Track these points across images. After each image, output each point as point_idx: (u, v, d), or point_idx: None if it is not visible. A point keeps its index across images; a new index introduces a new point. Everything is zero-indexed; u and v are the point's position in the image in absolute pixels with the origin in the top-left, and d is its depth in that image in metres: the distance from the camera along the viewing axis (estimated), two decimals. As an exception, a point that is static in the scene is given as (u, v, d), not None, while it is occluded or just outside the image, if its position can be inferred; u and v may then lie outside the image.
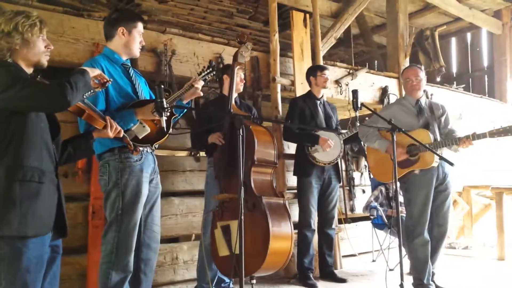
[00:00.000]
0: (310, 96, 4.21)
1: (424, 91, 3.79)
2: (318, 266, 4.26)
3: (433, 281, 3.63)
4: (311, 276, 3.99)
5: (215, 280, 3.50)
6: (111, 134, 2.25)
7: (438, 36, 6.79)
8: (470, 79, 8.63)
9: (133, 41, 2.65)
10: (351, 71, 5.49)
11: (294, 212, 4.15)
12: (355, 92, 3.64)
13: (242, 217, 2.35)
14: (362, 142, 5.52)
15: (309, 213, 3.99)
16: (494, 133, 3.30)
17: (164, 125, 2.44)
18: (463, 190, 6.59)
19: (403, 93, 5.87)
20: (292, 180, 4.54)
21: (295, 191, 4.23)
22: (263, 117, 4.57)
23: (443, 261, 4.99)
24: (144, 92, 2.74)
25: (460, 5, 6.95)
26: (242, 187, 2.35)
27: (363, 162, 5.80)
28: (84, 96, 2.02)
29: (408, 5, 6.42)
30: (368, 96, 5.62)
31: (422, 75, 3.67)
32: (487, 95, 7.90)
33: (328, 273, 4.17)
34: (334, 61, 5.65)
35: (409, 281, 3.58)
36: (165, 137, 2.66)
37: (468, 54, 8.71)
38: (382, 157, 3.64)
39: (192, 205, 4.16)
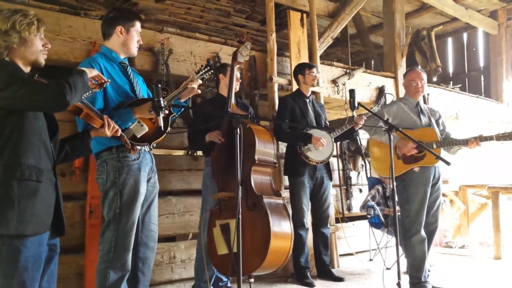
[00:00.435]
0: (299, 95, 4.17)
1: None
2: (315, 265, 4.27)
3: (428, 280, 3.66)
4: (308, 274, 4.00)
5: (213, 279, 3.50)
6: (108, 133, 2.24)
7: (434, 36, 6.83)
8: (466, 79, 8.67)
9: (131, 40, 2.65)
10: (348, 71, 5.50)
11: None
12: (352, 92, 3.64)
13: (240, 216, 2.36)
14: (358, 141, 5.57)
15: (302, 213, 4.00)
16: (500, 137, 3.45)
17: (162, 123, 2.44)
18: (459, 189, 6.63)
19: (400, 93, 5.91)
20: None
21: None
22: (261, 117, 4.57)
23: (440, 260, 5.03)
24: (142, 90, 2.74)
25: (456, 5, 6.98)
26: (241, 186, 2.35)
27: (360, 162, 5.82)
28: (83, 97, 2.02)
29: (405, 5, 6.44)
30: (365, 95, 5.63)
31: (425, 78, 3.76)
32: (483, 95, 7.94)
33: (326, 272, 4.17)
34: (331, 60, 5.66)
35: (406, 280, 3.60)
36: (163, 136, 2.66)
37: (464, 54, 8.74)
38: (384, 151, 3.65)
39: (189, 204, 4.16)
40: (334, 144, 4.10)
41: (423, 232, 3.54)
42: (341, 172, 5.54)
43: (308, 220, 4.11)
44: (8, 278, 1.83)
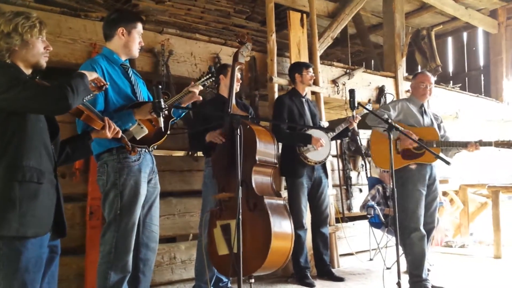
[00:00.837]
0: (295, 94, 4.15)
1: None
2: (314, 265, 4.27)
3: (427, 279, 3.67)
4: (308, 275, 4.01)
5: (213, 280, 3.51)
6: (109, 134, 2.25)
7: (434, 36, 6.82)
8: (466, 78, 8.68)
9: (133, 41, 2.66)
10: (348, 71, 5.51)
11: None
12: (352, 92, 3.66)
13: (240, 217, 2.37)
14: (358, 141, 5.57)
15: (301, 213, 4.00)
16: (499, 144, 3.50)
17: (162, 125, 2.44)
18: (459, 188, 6.63)
19: (400, 92, 5.92)
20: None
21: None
22: (261, 117, 4.58)
23: (440, 260, 5.03)
24: (143, 93, 2.74)
25: (456, 4, 6.99)
26: (242, 187, 2.36)
27: (360, 162, 5.82)
28: (84, 100, 2.03)
29: (405, 4, 6.45)
30: (365, 95, 5.64)
31: (434, 83, 3.84)
32: (483, 94, 7.95)
33: (326, 272, 4.18)
34: (331, 60, 5.67)
35: (406, 279, 3.60)
36: (163, 139, 2.66)
37: (464, 54, 8.75)
38: (385, 145, 3.67)
39: (190, 205, 4.17)
40: (331, 144, 4.12)
41: (422, 229, 3.58)
42: (341, 172, 5.55)
43: (307, 220, 4.12)
44: (9, 279, 1.83)
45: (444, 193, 6.85)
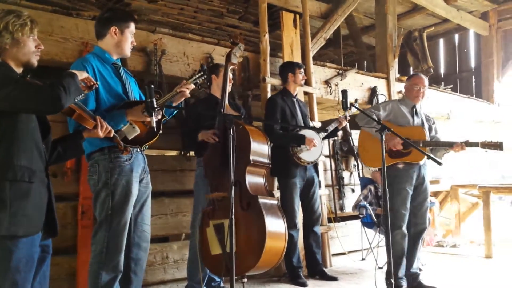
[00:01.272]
0: (287, 94, 4.15)
1: None
2: (306, 265, 4.28)
3: (419, 279, 3.69)
4: (301, 274, 4.01)
5: (206, 279, 3.50)
6: (101, 134, 2.24)
7: (426, 37, 6.87)
8: (458, 79, 8.74)
9: (125, 41, 2.64)
10: (340, 72, 5.54)
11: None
12: (344, 92, 3.66)
13: (233, 216, 2.37)
14: (351, 141, 5.60)
15: (294, 213, 4.00)
16: (485, 145, 3.52)
17: (155, 125, 2.44)
18: (450, 189, 6.68)
19: (392, 93, 5.95)
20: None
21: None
22: (253, 117, 4.58)
23: (431, 260, 5.07)
24: (134, 92, 2.73)
25: (448, 6, 7.04)
26: (236, 186, 2.36)
27: (353, 162, 5.85)
28: (76, 100, 2.02)
29: (397, 6, 6.48)
30: (357, 96, 5.66)
31: (427, 86, 3.85)
32: (474, 96, 8.01)
33: (318, 272, 4.19)
34: (323, 61, 5.68)
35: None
36: (155, 139, 2.66)
37: (456, 55, 8.81)
38: (374, 144, 3.71)
39: (182, 204, 4.16)
40: (323, 144, 4.14)
41: (404, 228, 3.62)
42: (333, 172, 5.57)
43: (299, 220, 4.13)
44: (0, 279, 1.82)
45: (435, 194, 6.91)
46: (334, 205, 5.45)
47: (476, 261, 5.14)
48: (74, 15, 3.65)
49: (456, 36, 8.74)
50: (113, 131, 2.32)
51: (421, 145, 3.58)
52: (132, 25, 2.68)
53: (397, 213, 3.58)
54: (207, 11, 5.71)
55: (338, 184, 5.62)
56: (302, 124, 4.11)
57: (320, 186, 4.40)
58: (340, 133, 5.62)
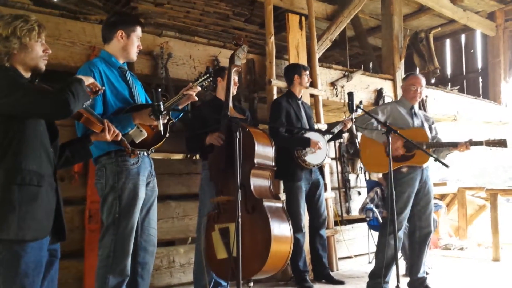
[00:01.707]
0: (292, 97, 4.14)
1: None
2: (312, 268, 4.26)
3: (426, 284, 3.66)
4: (307, 278, 4.00)
5: (212, 284, 3.50)
6: (109, 137, 2.25)
7: (432, 38, 6.84)
8: (465, 80, 8.69)
9: (131, 45, 2.65)
10: (346, 73, 5.52)
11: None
12: (350, 94, 3.66)
13: (240, 220, 2.37)
14: (357, 144, 5.58)
15: (300, 217, 3.98)
16: (489, 143, 3.50)
17: (162, 128, 2.44)
18: (458, 191, 6.64)
19: (398, 95, 5.92)
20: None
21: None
22: (258, 120, 4.57)
23: (439, 263, 5.03)
24: (140, 95, 2.74)
25: (454, 7, 7.00)
26: (240, 190, 2.35)
27: (359, 164, 5.83)
28: (84, 105, 2.03)
29: (403, 7, 6.46)
30: (363, 98, 5.64)
31: (424, 85, 3.81)
32: (481, 97, 7.97)
33: (325, 275, 4.17)
34: (329, 63, 5.67)
35: (404, 282, 3.61)
36: (162, 142, 2.66)
37: (463, 56, 8.76)
38: (376, 148, 3.68)
39: (189, 208, 4.16)
40: (328, 146, 4.13)
41: (401, 233, 3.58)
42: (339, 175, 5.55)
43: (305, 224, 4.11)
44: (8, 283, 1.83)
45: (442, 196, 6.87)
46: (340, 208, 5.43)
47: (484, 264, 5.10)
48: (81, 19, 3.66)
49: (463, 37, 8.69)
50: (120, 134, 2.32)
51: (424, 147, 3.54)
52: (138, 29, 2.69)
53: (397, 216, 3.48)
54: (213, 14, 5.71)
55: (344, 187, 5.60)
56: (307, 127, 4.10)
57: (326, 189, 4.39)
58: (346, 135, 5.62)
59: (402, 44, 6.11)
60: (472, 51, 8.66)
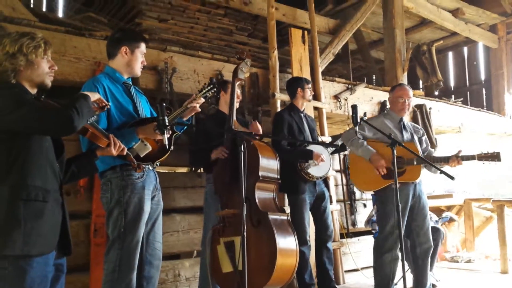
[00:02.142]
0: (294, 110, 4.12)
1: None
2: (317, 282, 4.22)
3: None
4: (314, 291, 3.97)
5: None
6: (114, 152, 2.27)
7: (435, 51, 6.88)
8: (468, 92, 8.71)
9: (135, 60, 2.69)
10: (349, 86, 5.54)
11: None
12: (354, 107, 3.63)
13: (245, 234, 2.36)
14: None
15: (305, 230, 3.94)
16: (482, 157, 3.39)
17: (167, 142, 2.46)
18: (464, 203, 6.60)
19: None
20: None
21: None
22: (261, 134, 4.57)
23: (446, 275, 4.98)
24: (145, 110, 2.77)
25: (456, 20, 7.05)
26: (245, 204, 2.36)
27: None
28: (88, 122, 2.06)
29: (405, 20, 6.51)
30: (367, 110, 5.66)
31: (412, 96, 3.71)
32: (485, 108, 7.96)
33: (331, 289, 4.13)
34: (332, 76, 5.70)
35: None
36: (166, 155, 2.68)
37: (465, 68, 8.79)
38: (363, 165, 3.60)
39: (194, 221, 4.16)
40: (331, 158, 4.12)
41: (397, 251, 3.46)
42: (345, 187, 5.54)
43: (311, 236, 4.09)
44: (14, 298, 1.83)
45: (449, 208, 6.82)
46: (346, 221, 5.41)
47: (492, 276, 5.04)
48: (87, 35, 3.71)
49: (465, 49, 8.73)
50: (126, 149, 2.34)
51: (415, 162, 3.42)
52: (143, 45, 2.73)
53: (390, 235, 3.44)
54: (216, 29, 5.78)
55: (349, 199, 5.59)
56: (310, 139, 4.09)
57: (331, 201, 4.37)
58: (350, 147, 5.61)
59: (404, 57, 6.14)
60: (474, 63, 8.69)
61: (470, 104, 7.98)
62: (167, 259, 3.96)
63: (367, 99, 5.76)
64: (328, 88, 5.32)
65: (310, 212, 4.05)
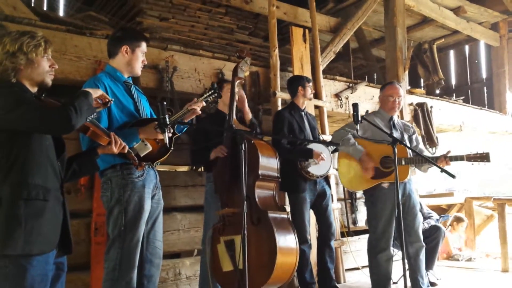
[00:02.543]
0: (295, 108, 4.12)
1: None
2: (318, 280, 4.22)
3: None
4: (314, 290, 3.97)
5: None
6: (115, 150, 2.27)
7: (436, 49, 6.85)
8: (469, 90, 8.68)
9: (136, 60, 2.69)
10: (350, 85, 5.54)
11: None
12: (355, 106, 3.62)
13: (246, 232, 2.37)
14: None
15: (305, 228, 3.94)
16: (471, 157, 3.33)
17: (167, 141, 2.46)
18: (465, 201, 6.59)
19: (403, 106, 5.92)
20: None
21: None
22: (262, 132, 4.58)
23: (447, 274, 4.98)
24: (145, 109, 2.77)
25: (457, 18, 7.02)
26: (246, 202, 2.36)
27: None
28: (88, 119, 2.05)
29: (406, 19, 6.48)
30: (368, 108, 5.64)
31: (403, 94, 3.70)
32: (486, 107, 7.95)
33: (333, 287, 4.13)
34: (333, 75, 5.70)
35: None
36: (166, 155, 2.68)
37: (467, 66, 8.76)
38: (354, 164, 3.61)
39: (194, 220, 4.16)
40: (332, 156, 4.11)
41: (390, 250, 3.47)
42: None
43: (312, 235, 4.09)
44: (15, 297, 1.83)
45: (449, 206, 6.82)
46: (346, 219, 5.41)
47: (493, 275, 5.04)
48: (88, 34, 3.71)
49: (467, 47, 8.70)
50: (127, 147, 2.34)
51: (403, 163, 3.41)
52: (143, 44, 2.73)
53: (383, 235, 3.45)
54: (217, 28, 5.78)
55: (350, 198, 5.58)
56: (311, 138, 4.09)
57: (332, 200, 4.36)
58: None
59: (406, 56, 6.13)
60: (476, 61, 8.67)
61: (471, 103, 7.96)
62: (168, 258, 3.96)
63: (368, 98, 5.75)
64: (329, 86, 5.32)
65: (310, 211, 4.06)
